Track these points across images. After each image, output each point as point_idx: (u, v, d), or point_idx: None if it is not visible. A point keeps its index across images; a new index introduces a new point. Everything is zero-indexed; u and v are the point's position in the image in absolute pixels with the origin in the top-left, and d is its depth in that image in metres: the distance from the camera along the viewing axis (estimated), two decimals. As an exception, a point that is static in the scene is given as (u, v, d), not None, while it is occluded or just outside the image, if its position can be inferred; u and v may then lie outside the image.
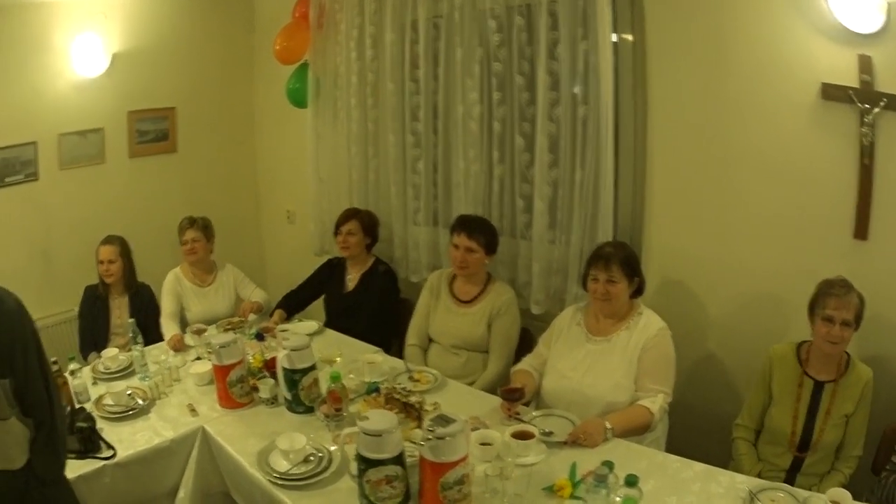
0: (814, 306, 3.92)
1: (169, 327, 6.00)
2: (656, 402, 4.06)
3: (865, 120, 4.07)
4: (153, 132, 7.82)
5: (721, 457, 4.07)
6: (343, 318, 6.08)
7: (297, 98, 7.16)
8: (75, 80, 7.08)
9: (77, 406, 4.44)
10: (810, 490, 3.44)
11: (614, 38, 4.85)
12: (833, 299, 3.81)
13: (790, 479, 3.95)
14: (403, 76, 6.23)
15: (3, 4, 6.39)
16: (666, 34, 4.79)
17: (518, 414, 4.13)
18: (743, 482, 3.46)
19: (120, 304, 6.24)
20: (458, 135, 5.83)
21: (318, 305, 6.50)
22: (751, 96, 4.48)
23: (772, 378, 4.12)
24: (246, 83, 8.52)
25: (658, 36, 4.82)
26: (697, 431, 4.50)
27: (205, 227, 6.32)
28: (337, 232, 6.18)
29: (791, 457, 4.00)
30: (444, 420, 3.22)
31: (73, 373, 4.64)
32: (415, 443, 3.61)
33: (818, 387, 3.96)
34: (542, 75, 5.13)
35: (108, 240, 6.17)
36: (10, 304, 3.00)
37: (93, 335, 6.16)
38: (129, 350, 5.23)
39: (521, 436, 3.73)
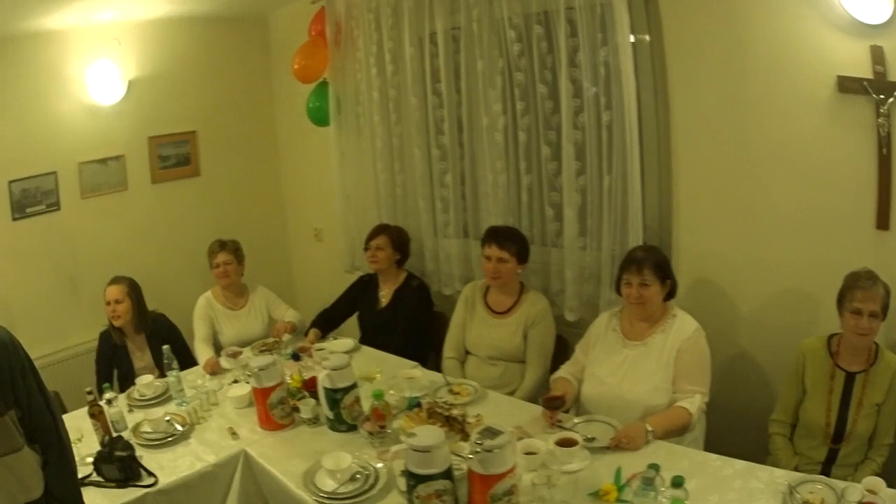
0: (842, 299, 4.04)
1: (203, 351, 6.13)
2: (694, 403, 4.21)
3: (881, 110, 4.20)
4: (175, 157, 7.98)
5: (758, 452, 4.20)
6: (378, 335, 6.22)
7: (318, 117, 7.31)
8: (93, 107, 7.24)
9: (114, 434, 4.55)
10: (846, 481, 3.55)
11: (631, 38, 4.98)
12: (860, 292, 3.94)
13: (826, 471, 4.06)
14: (426, 90, 6.40)
15: (16, 35, 6.56)
16: (682, 34, 4.92)
17: (560, 421, 4.26)
18: (781, 477, 3.56)
19: (140, 346, 6.23)
20: (483, 146, 5.99)
21: (352, 322, 6.63)
22: (768, 92, 4.61)
23: (804, 372, 4.25)
24: (266, 103, 8.66)
25: (675, 36, 4.95)
26: (733, 428, 4.64)
27: (235, 250, 6.45)
28: (366, 247, 6.33)
29: (826, 449, 4.13)
30: (491, 432, 3.33)
31: (109, 402, 4.77)
32: (460, 455, 3.75)
33: (850, 378, 4.10)
34: (565, 83, 5.25)
35: (115, 280, 6.15)
36: (2, 337, 3.02)
37: (111, 382, 6.04)
38: (165, 376, 5.36)
39: (565, 443, 3.85)
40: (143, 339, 6.21)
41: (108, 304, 6.03)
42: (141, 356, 6.19)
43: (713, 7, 4.74)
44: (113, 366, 6.19)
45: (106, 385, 5.00)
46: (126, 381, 5.99)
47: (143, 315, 6.19)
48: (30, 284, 7.05)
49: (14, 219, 6.89)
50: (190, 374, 5.65)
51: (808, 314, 4.72)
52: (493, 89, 5.76)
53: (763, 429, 4.46)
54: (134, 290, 6.13)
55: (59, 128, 7.06)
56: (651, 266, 4.42)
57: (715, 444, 4.32)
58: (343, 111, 7.18)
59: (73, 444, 3.82)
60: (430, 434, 3.49)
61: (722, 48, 4.75)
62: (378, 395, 4.36)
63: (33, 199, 6.99)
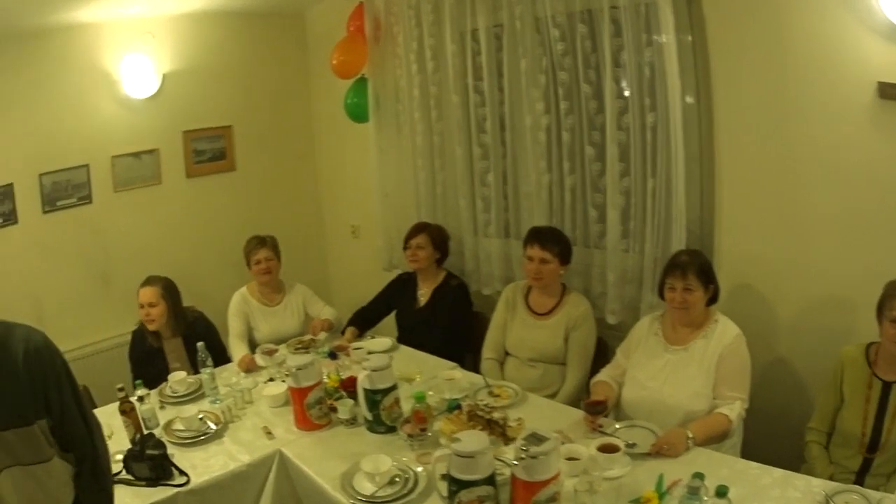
0: (881, 308, 4.02)
1: (238, 348, 6.20)
2: (734, 410, 4.27)
3: (921, 117, 4.20)
4: (210, 151, 8.11)
5: (792, 459, 4.27)
6: (416, 334, 6.30)
7: (357, 113, 7.40)
8: (126, 101, 7.38)
9: (146, 432, 4.61)
10: (878, 490, 3.61)
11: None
12: None
13: (859, 480, 4.10)
14: (467, 88, 6.48)
15: (49, 27, 6.69)
16: (725, 35, 4.94)
17: (601, 426, 4.33)
18: (818, 486, 3.62)
19: (175, 348, 6.14)
20: (526, 146, 6.04)
21: (388, 321, 6.72)
22: (810, 96, 4.63)
23: (843, 380, 4.26)
24: (303, 98, 8.76)
25: (718, 36, 4.97)
26: (769, 434, 4.70)
27: (275, 247, 6.51)
28: (406, 246, 6.40)
29: (861, 458, 4.14)
30: (537, 438, 3.38)
31: (141, 399, 4.80)
32: (502, 460, 3.81)
33: (886, 387, 4.09)
34: (609, 83, 5.29)
35: (149, 281, 6.02)
36: (38, 341, 2.87)
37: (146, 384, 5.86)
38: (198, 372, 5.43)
39: (607, 449, 3.92)
40: (181, 343, 6.14)
41: (142, 307, 5.94)
42: (177, 357, 6.11)
43: (756, 9, 4.76)
44: (147, 367, 6.03)
45: (138, 382, 5.02)
46: (159, 381, 5.81)
47: (179, 317, 6.13)
48: (60, 277, 7.20)
49: (45, 212, 7.03)
50: (224, 372, 5.71)
51: (846, 321, 4.74)
52: (536, 88, 5.81)
53: (798, 435, 4.52)
54: (169, 292, 6.04)
55: (91, 121, 7.19)
56: (695, 271, 4.48)
57: (750, 449, 4.42)
58: (382, 108, 7.25)
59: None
60: (474, 439, 3.55)
61: (764, 50, 4.78)
62: (420, 398, 4.39)
63: (64, 192, 7.13)
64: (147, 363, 6.07)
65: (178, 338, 6.14)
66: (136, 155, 7.58)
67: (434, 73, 6.69)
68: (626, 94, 5.27)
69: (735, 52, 4.93)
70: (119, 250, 7.52)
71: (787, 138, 4.79)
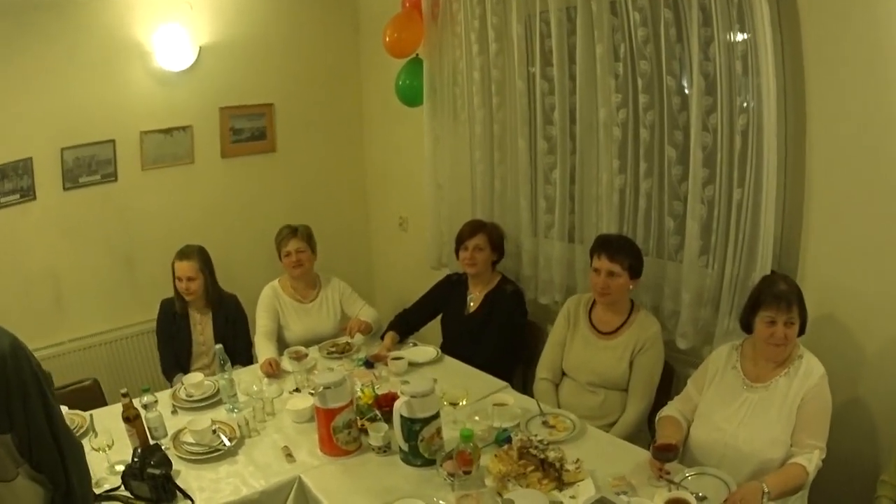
0: None
1: (264, 348, 6.00)
2: (812, 460, 3.98)
3: None
4: (249, 130, 7.97)
5: None
6: (463, 342, 6.08)
7: (409, 96, 7.16)
8: (159, 73, 7.28)
9: (151, 442, 4.41)
10: None
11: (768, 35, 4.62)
12: None
13: None
14: (534, 74, 6.13)
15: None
16: (821, 35, 4.53)
17: (668, 473, 4.00)
18: None
19: (202, 320, 6.33)
20: (598, 142, 5.67)
21: (433, 325, 6.52)
22: None
23: None
24: (353, 78, 8.61)
25: (813, 35, 4.57)
26: (835, 481, 4.40)
27: (308, 237, 6.36)
28: (462, 247, 6.12)
29: None
30: None
31: (146, 406, 4.64)
32: None
33: None
34: (696, 77, 4.90)
35: (186, 254, 6.17)
36: (3, 347, 2.78)
37: (174, 355, 6.23)
38: (216, 374, 5.29)
39: None
40: (210, 314, 6.34)
41: (180, 280, 6.14)
42: (202, 330, 6.30)
43: (854, 10, 4.35)
44: (171, 337, 6.30)
45: (145, 387, 4.83)
46: (181, 355, 6.23)
47: (215, 289, 6.35)
48: (81, 259, 7.15)
49: (66, 188, 6.98)
50: (246, 375, 5.53)
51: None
52: (612, 78, 5.45)
53: (866, 482, 4.29)
54: (206, 265, 6.24)
55: (120, 93, 7.12)
56: (797, 302, 4.16)
57: (815, 495, 4.24)
58: (438, 91, 7.02)
59: (102, 451, 3.92)
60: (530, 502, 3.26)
61: (865, 54, 4.33)
62: (467, 437, 3.97)
63: (87, 168, 7.08)
64: (171, 332, 6.32)
65: (208, 311, 6.35)
66: (168, 131, 7.48)
67: (497, 55, 6.35)
68: (718, 91, 4.86)
69: (832, 54, 4.52)
70: (145, 233, 7.45)
71: (888, 155, 4.39)
